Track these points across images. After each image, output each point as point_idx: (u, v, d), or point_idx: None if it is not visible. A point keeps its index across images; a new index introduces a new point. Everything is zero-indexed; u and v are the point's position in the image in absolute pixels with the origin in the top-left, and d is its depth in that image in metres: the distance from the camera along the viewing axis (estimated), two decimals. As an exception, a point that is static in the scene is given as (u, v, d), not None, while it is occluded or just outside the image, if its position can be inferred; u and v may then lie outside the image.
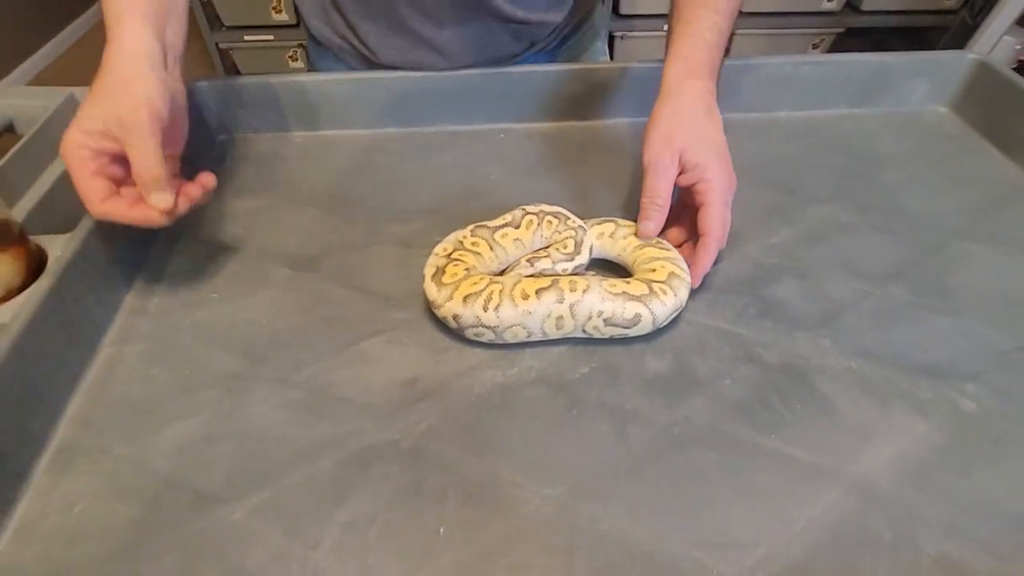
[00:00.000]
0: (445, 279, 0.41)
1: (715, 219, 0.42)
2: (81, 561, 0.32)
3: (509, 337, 0.41)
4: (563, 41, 0.69)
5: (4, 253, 0.39)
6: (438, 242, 0.45)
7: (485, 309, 0.39)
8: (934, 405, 0.38)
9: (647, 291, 0.40)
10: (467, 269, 0.42)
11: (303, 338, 0.43)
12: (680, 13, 0.48)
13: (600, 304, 0.39)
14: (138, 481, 0.35)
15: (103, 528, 0.33)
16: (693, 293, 0.44)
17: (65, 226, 0.46)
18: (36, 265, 0.41)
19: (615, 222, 0.47)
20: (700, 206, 0.43)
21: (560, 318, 0.40)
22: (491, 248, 0.44)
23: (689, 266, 0.43)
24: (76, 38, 2.83)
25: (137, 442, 0.37)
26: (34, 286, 0.39)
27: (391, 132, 0.63)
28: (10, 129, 0.59)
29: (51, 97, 0.59)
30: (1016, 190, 0.56)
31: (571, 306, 0.40)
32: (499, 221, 0.45)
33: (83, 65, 2.64)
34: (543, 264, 0.43)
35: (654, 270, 0.41)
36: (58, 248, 0.42)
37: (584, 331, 0.41)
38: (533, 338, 0.41)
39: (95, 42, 2.82)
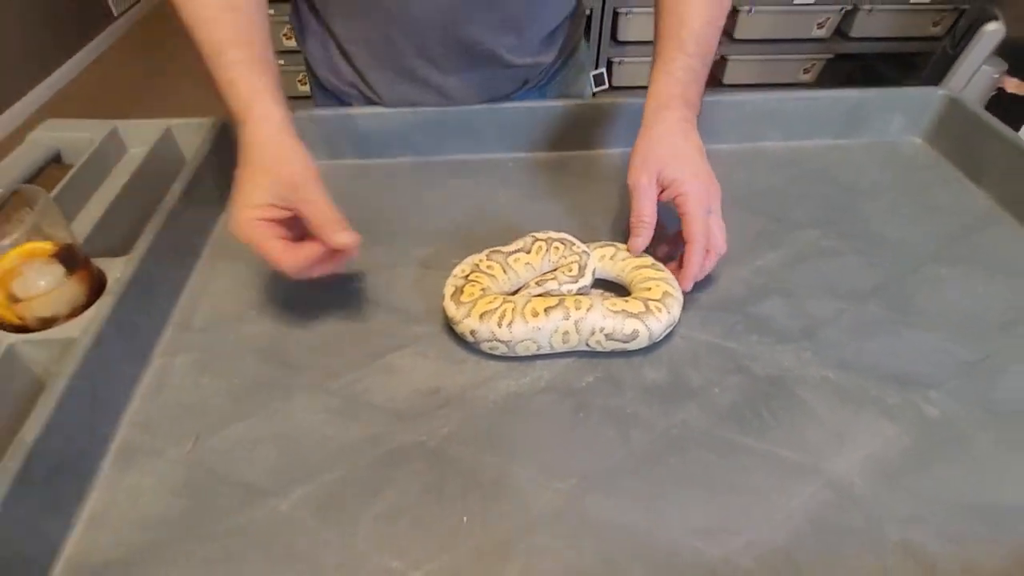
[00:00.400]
0: (463, 298, 0.46)
1: (695, 226, 0.47)
2: (146, 545, 0.36)
3: (521, 350, 0.45)
4: (552, 77, 0.75)
5: (72, 276, 0.43)
6: (455, 263, 0.50)
7: (499, 325, 0.44)
8: (901, 411, 0.43)
9: (644, 309, 0.44)
10: (483, 289, 0.47)
11: (336, 350, 0.47)
12: (657, 56, 0.53)
13: (602, 321, 0.44)
14: (193, 477, 0.40)
15: (163, 517, 0.38)
16: (687, 310, 0.48)
17: (114, 250, 0.51)
18: (97, 285, 0.45)
19: (615, 246, 0.51)
20: (682, 217, 0.48)
21: (566, 333, 0.44)
22: (505, 271, 0.49)
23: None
24: (87, 64, 2.90)
25: (193, 442, 0.41)
26: (97, 304, 0.44)
27: (408, 161, 0.68)
28: (57, 160, 0.64)
29: (97, 130, 0.64)
30: (984, 217, 0.60)
31: (576, 323, 0.44)
32: (512, 247, 0.50)
33: (96, 91, 2.71)
34: (551, 285, 0.47)
35: (649, 289, 0.46)
36: (116, 270, 0.46)
37: (588, 345, 0.45)
38: (542, 351, 0.46)
39: (105, 69, 2.89)
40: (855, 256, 0.55)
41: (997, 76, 1.37)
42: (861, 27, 2.19)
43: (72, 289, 0.43)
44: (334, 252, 0.44)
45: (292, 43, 2.05)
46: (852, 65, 2.44)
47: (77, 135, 0.64)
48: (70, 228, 0.45)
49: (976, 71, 1.34)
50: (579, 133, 0.68)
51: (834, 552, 0.36)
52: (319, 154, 0.67)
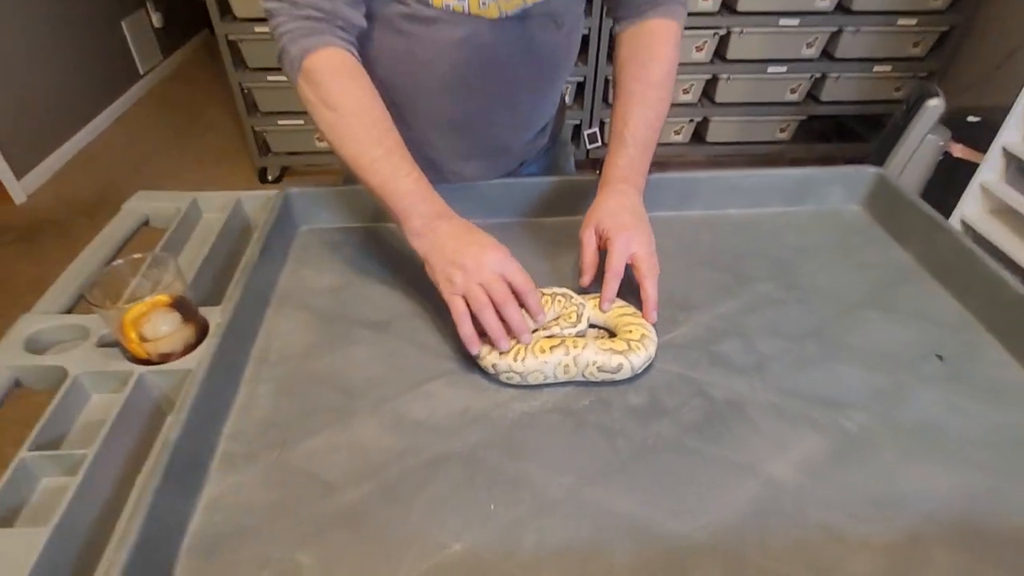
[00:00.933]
0: (486, 339, 0.58)
1: (621, 251, 0.61)
2: (249, 525, 0.48)
3: (531, 380, 0.57)
4: (545, 154, 0.89)
5: (187, 322, 0.56)
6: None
7: (515, 359, 0.56)
8: (826, 426, 0.55)
9: (627, 347, 0.57)
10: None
11: (385, 380, 0.59)
12: (608, 149, 0.69)
13: (594, 356, 0.56)
14: (281, 475, 0.51)
15: (261, 505, 0.49)
16: (663, 348, 0.61)
17: (202, 297, 0.63)
18: (203, 328, 0.58)
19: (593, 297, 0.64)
20: (613, 249, 0.61)
21: (567, 366, 0.57)
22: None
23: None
24: (116, 117, 3.08)
25: (278, 450, 0.53)
26: (205, 343, 0.56)
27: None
28: (145, 223, 0.77)
29: (181, 200, 0.77)
30: (905, 273, 0.74)
31: (575, 358, 0.56)
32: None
33: (125, 143, 2.87)
34: (555, 330, 0.60)
35: (631, 331, 0.59)
36: (215, 316, 0.59)
37: (583, 376, 0.58)
38: (548, 381, 0.58)
39: (133, 123, 3.07)
40: (798, 304, 0.68)
41: (942, 143, 1.54)
42: (830, 92, 2.39)
43: (186, 332, 0.56)
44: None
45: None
46: (824, 123, 2.63)
47: (163, 204, 0.77)
48: (186, 284, 0.57)
49: (923, 140, 1.51)
50: (573, 202, 0.81)
51: (769, 528, 0.47)
52: (357, 220, 0.81)
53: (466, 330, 0.56)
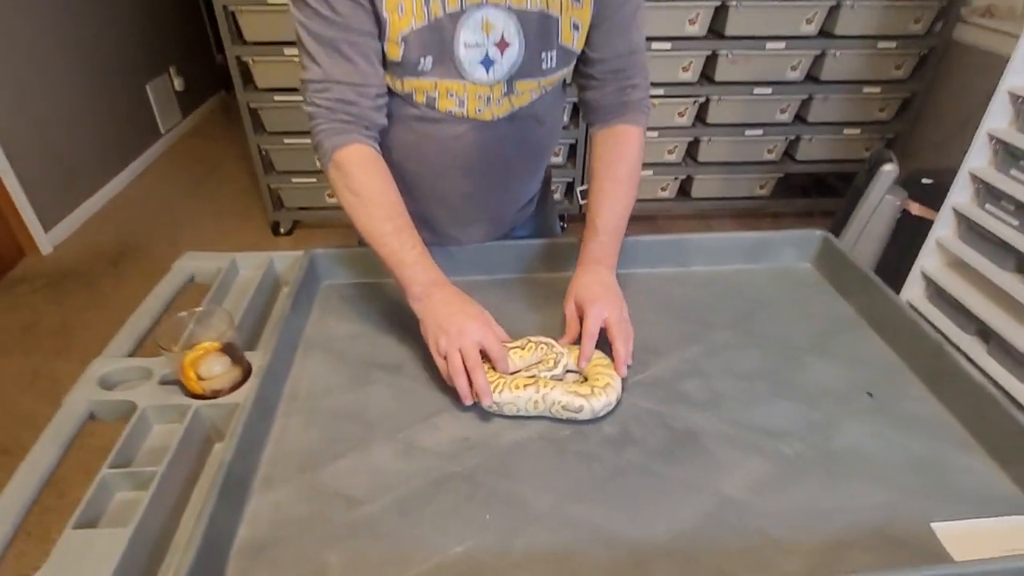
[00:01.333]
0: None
1: (595, 319, 0.71)
2: (288, 533, 0.57)
3: (507, 410, 0.67)
4: (534, 218, 1.02)
5: (235, 364, 0.66)
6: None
7: (496, 392, 0.67)
8: (770, 451, 0.65)
9: (590, 392, 0.67)
10: (491, 369, 0.70)
11: (397, 414, 0.69)
12: (583, 235, 0.80)
13: (560, 397, 0.66)
14: (312, 493, 0.61)
15: (297, 517, 0.59)
16: (634, 386, 0.71)
17: (243, 345, 0.74)
18: (247, 370, 0.68)
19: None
20: (605, 327, 0.72)
21: (536, 402, 0.67)
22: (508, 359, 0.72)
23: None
24: (139, 172, 3.25)
25: (309, 472, 0.63)
26: (249, 382, 0.67)
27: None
28: (191, 280, 0.88)
29: (221, 260, 0.88)
30: (845, 322, 0.85)
31: (543, 396, 0.67)
32: (514, 345, 0.73)
33: (148, 196, 3.02)
34: (535, 372, 0.70)
35: (599, 379, 0.69)
36: (256, 359, 0.69)
37: (550, 412, 0.68)
38: (520, 413, 0.68)
39: (155, 177, 3.23)
40: (752, 349, 0.79)
41: (899, 203, 1.68)
42: (805, 152, 2.56)
43: (234, 373, 0.66)
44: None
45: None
46: (804, 178, 2.79)
47: (206, 264, 0.89)
48: (236, 332, 0.68)
49: (881, 200, 1.64)
50: (559, 261, 0.93)
51: (718, 535, 0.57)
52: (372, 276, 0.92)
53: (456, 385, 0.68)
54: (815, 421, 0.69)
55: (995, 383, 1.38)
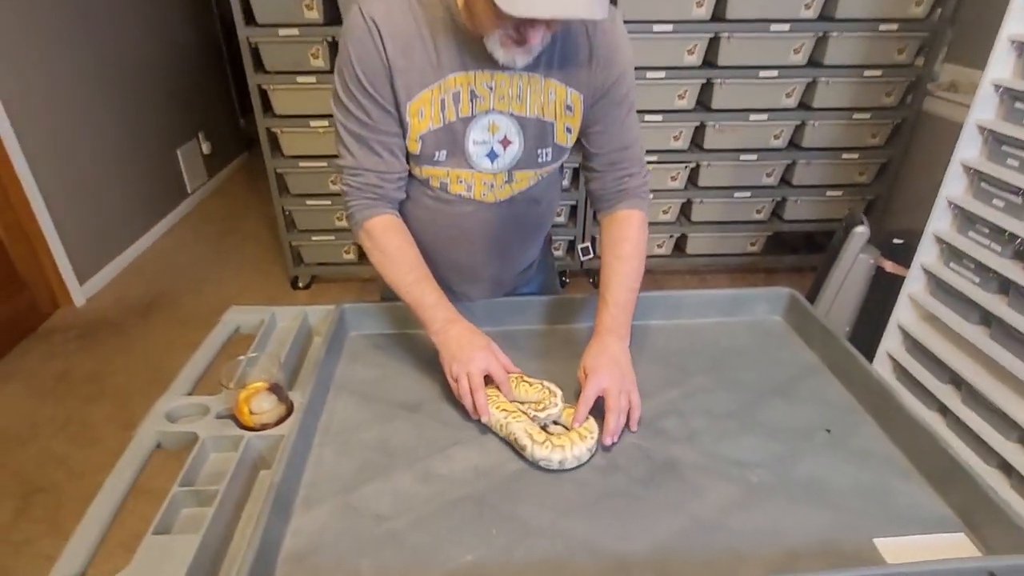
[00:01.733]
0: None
1: (610, 401, 0.79)
2: (326, 542, 0.67)
3: (493, 427, 0.79)
4: (532, 281, 1.14)
5: (281, 402, 0.77)
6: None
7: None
8: (737, 479, 0.75)
9: (544, 441, 0.75)
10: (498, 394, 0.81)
11: (416, 446, 0.80)
12: (597, 308, 0.91)
13: (516, 430, 0.76)
14: (344, 511, 0.71)
15: (333, 530, 0.68)
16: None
17: (285, 386, 0.85)
18: (289, 406, 0.79)
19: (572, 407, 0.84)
20: (603, 396, 0.80)
21: (502, 426, 0.78)
22: (515, 386, 0.83)
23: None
24: (167, 229, 3.42)
25: (343, 494, 0.73)
26: (291, 417, 0.78)
27: (452, 331, 1.04)
28: (236, 331, 1.01)
29: (263, 313, 1.00)
30: (809, 368, 0.95)
31: (507, 423, 0.77)
32: (527, 379, 0.84)
33: (176, 251, 3.18)
34: (527, 408, 0.81)
35: (571, 436, 0.77)
36: (297, 397, 0.80)
37: (508, 440, 0.78)
38: (495, 431, 0.79)
39: (182, 233, 3.40)
40: (724, 392, 0.90)
41: (872, 261, 1.80)
42: (791, 212, 2.70)
43: (279, 409, 0.77)
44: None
45: (337, 187, 2.53)
46: (788, 237, 2.92)
47: (250, 317, 1.01)
48: (283, 375, 0.79)
49: (855, 259, 1.77)
50: (563, 313, 1.05)
51: (690, 549, 0.66)
52: (393, 328, 1.04)
53: (465, 404, 0.81)
54: (778, 453, 0.79)
55: (969, 429, 1.47)
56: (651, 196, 0.99)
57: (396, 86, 0.81)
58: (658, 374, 0.93)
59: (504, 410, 0.79)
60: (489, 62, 0.80)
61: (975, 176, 1.49)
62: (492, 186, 0.91)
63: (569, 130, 0.89)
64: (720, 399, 0.88)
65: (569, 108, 0.88)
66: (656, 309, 1.06)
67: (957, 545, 0.67)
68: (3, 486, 1.74)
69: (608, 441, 0.78)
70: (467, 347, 0.82)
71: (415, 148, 0.86)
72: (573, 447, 0.75)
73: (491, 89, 0.83)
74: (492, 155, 0.88)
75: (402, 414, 0.86)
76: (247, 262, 3.06)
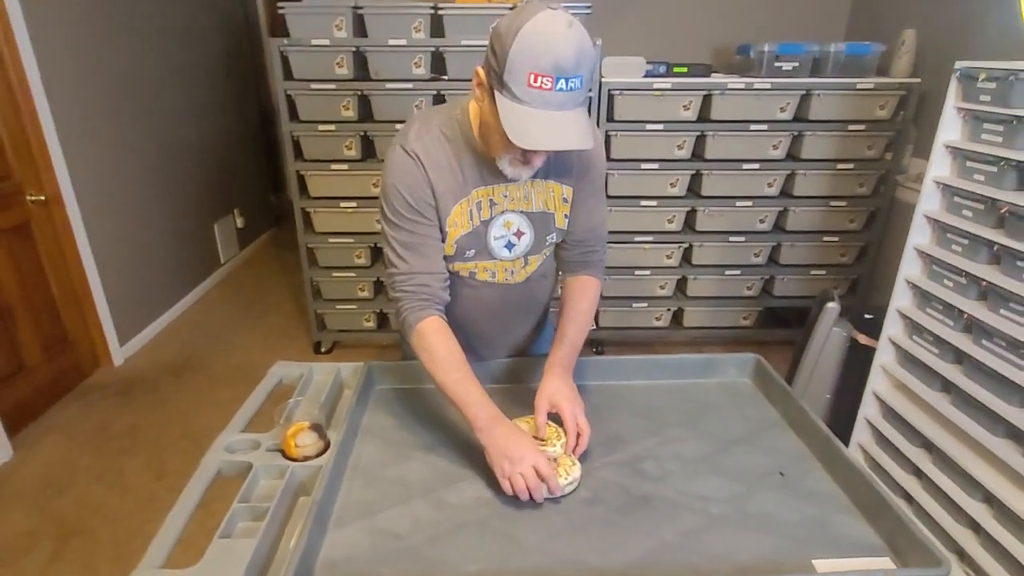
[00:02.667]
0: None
1: (569, 424, 0.94)
2: (354, 557, 0.80)
3: None
4: (535, 343, 1.30)
5: (320, 439, 0.92)
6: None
7: None
8: (700, 511, 0.87)
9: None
10: None
11: (430, 480, 0.93)
12: (552, 345, 1.07)
13: None
14: (371, 531, 0.84)
15: (361, 546, 0.81)
16: (605, 464, 0.95)
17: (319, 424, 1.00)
18: (327, 443, 0.94)
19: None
20: (562, 419, 0.96)
21: None
22: (526, 422, 0.97)
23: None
24: (201, 295, 3.64)
25: (369, 517, 0.86)
26: (328, 452, 0.92)
27: (463, 386, 1.19)
28: (279, 383, 1.16)
29: (303, 368, 1.17)
30: (770, 422, 1.09)
31: None
32: (526, 420, 0.99)
33: (208, 316, 3.38)
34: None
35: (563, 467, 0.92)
36: (334, 436, 0.95)
37: None
38: None
39: (215, 300, 3.61)
40: (695, 441, 1.03)
41: (846, 334, 1.94)
42: (780, 288, 2.87)
43: (319, 444, 0.92)
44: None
45: (365, 294, 2.72)
46: (779, 310, 3.07)
47: (291, 371, 1.17)
48: (323, 416, 0.94)
49: (829, 332, 1.92)
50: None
51: (659, 565, 0.78)
52: (412, 383, 1.19)
53: (519, 495, 0.87)
54: (737, 491, 0.92)
55: (941, 491, 1.55)
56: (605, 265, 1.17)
57: (438, 205, 0.98)
58: (639, 425, 1.07)
59: None
60: (502, 176, 0.97)
61: (927, 259, 1.66)
62: (512, 272, 1.09)
63: (566, 216, 1.08)
64: (691, 447, 1.02)
65: (565, 199, 1.07)
66: (640, 371, 1.21)
67: (881, 565, 0.78)
68: (42, 530, 1.85)
69: (578, 453, 0.94)
70: (517, 447, 0.88)
71: (451, 250, 1.02)
72: (567, 471, 0.90)
73: (505, 196, 1.02)
74: (509, 245, 1.06)
75: (418, 454, 1.00)
76: (273, 328, 3.24)
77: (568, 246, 1.13)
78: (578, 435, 0.95)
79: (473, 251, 1.04)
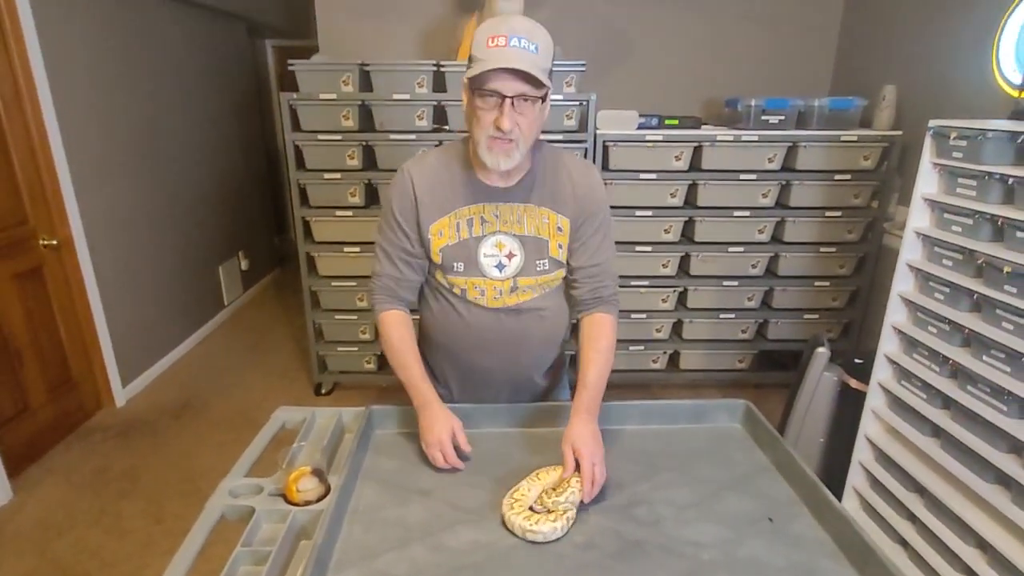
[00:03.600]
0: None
1: (586, 470, 0.97)
2: (353, 601, 0.82)
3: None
4: (541, 396, 1.33)
5: (321, 483, 0.95)
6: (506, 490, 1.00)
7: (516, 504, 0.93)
8: (691, 557, 0.89)
9: (535, 521, 0.92)
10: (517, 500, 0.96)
11: (428, 524, 0.95)
12: (575, 391, 1.11)
13: (514, 520, 0.92)
14: (372, 573, 0.86)
15: (359, 591, 0.83)
16: (599, 511, 0.97)
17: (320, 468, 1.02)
18: (327, 487, 0.96)
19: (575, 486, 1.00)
20: (580, 465, 0.98)
21: (505, 512, 0.93)
22: (537, 478, 0.99)
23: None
24: (205, 336, 3.67)
25: (368, 560, 0.88)
26: (328, 496, 0.94)
27: (470, 433, 1.21)
28: (282, 427, 1.19)
29: (305, 413, 1.19)
30: (760, 467, 1.11)
31: (511, 504, 0.93)
32: (547, 470, 1.01)
33: (211, 357, 3.40)
34: (542, 494, 0.97)
35: (551, 516, 0.94)
36: (334, 481, 0.98)
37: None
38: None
39: (218, 341, 3.64)
40: (686, 487, 1.05)
41: (836, 378, 1.97)
42: (775, 332, 2.90)
43: (320, 489, 0.94)
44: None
45: (366, 336, 2.75)
46: (778, 354, 3.10)
47: (294, 415, 1.20)
48: (324, 460, 0.97)
49: (820, 377, 1.95)
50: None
51: (647, 611, 0.80)
52: (411, 427, 1.21)
53: (436, 464, 1.06)
54: (727, 537, 0.93)
55: (935, 536, 1.56)
56: (619, 305, 1.22)
57: (420, 216, 1.11)
58: (632, 470, 1.09)
59: (512, 506, 0.94)
60: (492, 196, 1.10)
61: (912, 306, 1.70)
62: (501, 292, 1.15)
63: (560, 246, 1.15)
64: (682, 492, 1.04)
65: (560, 229, 1.14)
66: (633, 416, 1.24)
67: (865, 612, 0.80)
68: (40, 574, 1.84)
69: (587, 500, 0.97)
70: (435, 424, 1.07)
71: (438, 259, 1.12)
72: (555, 522, 0.92)
73: (496, 216, 1.11)
74: (500, 266, 1.13)
75: (417, 498, 1.02)
76: (274, 369, 3.26)
77: (578, 283, 1.18)
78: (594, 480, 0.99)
79: (462, 265, 1.12)
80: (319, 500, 0.94)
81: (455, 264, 1.12)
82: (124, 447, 2.52)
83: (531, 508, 0.96)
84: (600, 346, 1.15)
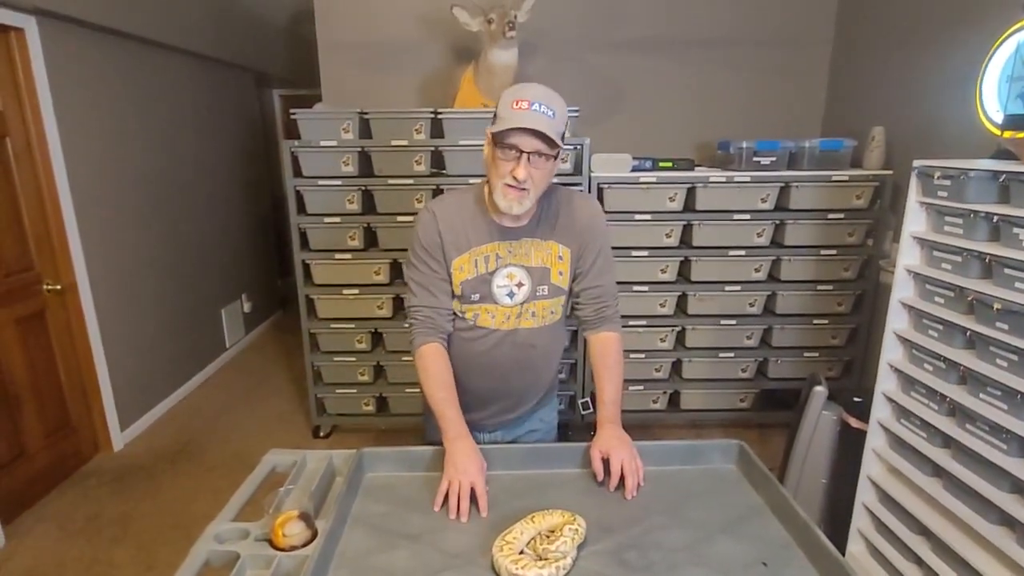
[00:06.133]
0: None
1: (626, 465, 1.04)
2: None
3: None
4: (538, 408, 1.37)
5: (308, 528, 0.94)
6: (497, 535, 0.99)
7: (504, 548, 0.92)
8: (680, 602, 0.87)
9: (522, 566, 0.90)
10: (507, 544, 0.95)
11: (416, 570, 0.94)
12: (596, 405, 1.13)
13: (502, 563, 0.90)
14: (354, 623, 0.84)
15: (342, 640, 0.82)
16: (591, 552, 0.96)
17: (309, 511, 1.02)
18: (314, 532, 0.95)
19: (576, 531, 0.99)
20: (612, 461, 1.03)
21: (494, 556, 0.92)
22: (532, 521, 0.98)
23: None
24: (206, 379, 3.67)
25: (352, 608, 0.86)
26: (316, 541, 0.93)
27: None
28: (273, 469, 1.19)
29: (296, 455, 1.19)
30: (754, 509, 1.09)
31: (501, 547, 0.92)
32: (543, 514, 1.00)
33: (212, 400, 3.39)
34: (536, 537, 0.96)
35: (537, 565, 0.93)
36: (321, 525, 0.97)
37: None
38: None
39: (218, 383, 3.64)
40: (678, 529, 1.04)
41: (835, 417, 1.96)
42: (775, 371, 2.89)
43: (307, 534, 0.94)
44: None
45: (365, 378, 2.74)
46: (780, 393, 3.06)
47: (284, 458, 1.20)
48: (311, 508, 0.97)
49: (819, 415, 1.93)
50: (564, 461, 1.22)
51: (636, 660, 0.78)
52: (403, 470, 1.21)
53: (440, 500, 1.08)
54: (725, 565, 0.92)
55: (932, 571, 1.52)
56: (620, 318, 1.32)
57: (446, 251, 1.21)
58: (623, 514, 1.08)
59: (501, 548, 0.93)
60: (505, 235, 1.20)
61: (907, 344, 1.70)
62: (508, 316, 1.25)
63: (561, 274, 1.25)
64: (674, 536, 1.02)
65: (560, 257, 1.24)
66: (639, 456, 1.22)
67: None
68: (25, 627, 1.80)
69: (629, 496, 1.11)
70: (464, 462, 1.10)
71: (459, 291, 1.23)
72: (542, 570, 0.90)
73: (510, 252, 1.22)
74: (511, 294, 1.24)
75: (405, 543, 1.01)
76: (273, 412, 3.25)
77: (583, 304, 1.30)
78: (622, 475, 1.12)
79: (478, 295, 1.23)
80: (305, 545, 0.93)
81: (473, 295, 1.23)
82: (118, 492, 2.49)
83: (522, 552, 0.95)
84: (609, 362, 1.27)
